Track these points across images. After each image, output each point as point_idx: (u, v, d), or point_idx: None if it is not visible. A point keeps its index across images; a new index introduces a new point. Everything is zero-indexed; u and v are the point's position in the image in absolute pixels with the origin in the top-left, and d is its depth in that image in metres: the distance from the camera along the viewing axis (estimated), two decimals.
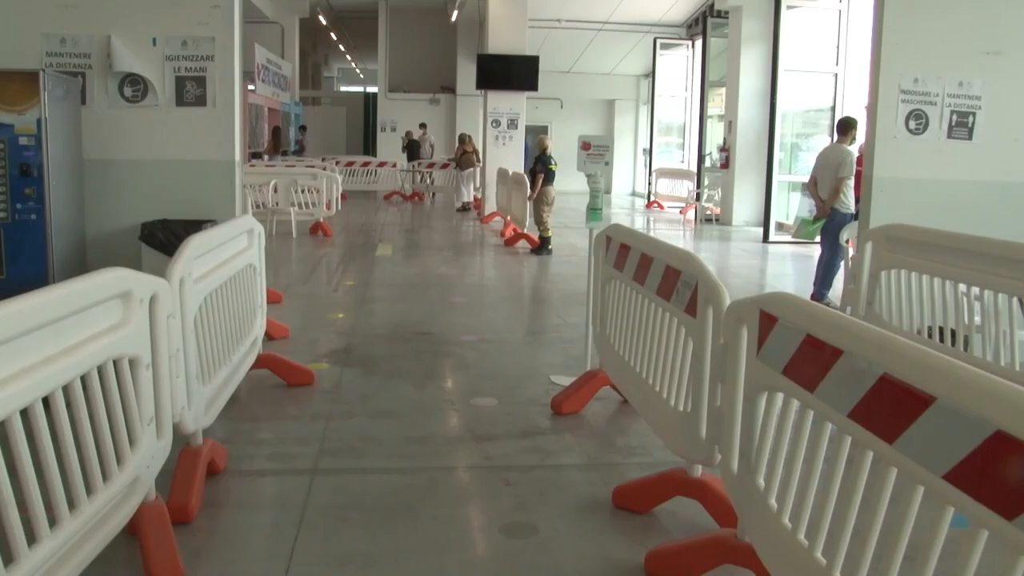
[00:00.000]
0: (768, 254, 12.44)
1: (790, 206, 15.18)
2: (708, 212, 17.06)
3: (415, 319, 7.05)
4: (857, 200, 8.13)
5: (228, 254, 4.19)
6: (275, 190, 12.83)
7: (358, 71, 41.24)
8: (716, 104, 18.08)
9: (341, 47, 32.75)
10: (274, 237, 12.37)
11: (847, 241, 7.58)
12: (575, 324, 6.90)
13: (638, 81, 25.15)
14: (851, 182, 7.82)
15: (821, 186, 7.95)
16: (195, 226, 5.00)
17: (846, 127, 7.81)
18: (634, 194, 25.38)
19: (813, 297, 8.14)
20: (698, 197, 17.44)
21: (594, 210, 5.01)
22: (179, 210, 5.23)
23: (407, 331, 6.59)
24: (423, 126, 21.77)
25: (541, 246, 11.19)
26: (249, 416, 4.48)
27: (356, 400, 4.80)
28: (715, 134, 18.04)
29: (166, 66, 5.21)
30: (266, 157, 18.49)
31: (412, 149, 20.97)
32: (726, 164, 16.40)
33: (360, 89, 35.40)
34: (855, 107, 13.72)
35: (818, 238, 8.62)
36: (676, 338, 3.48)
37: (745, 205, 16.25)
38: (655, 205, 20.27)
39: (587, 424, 4.51)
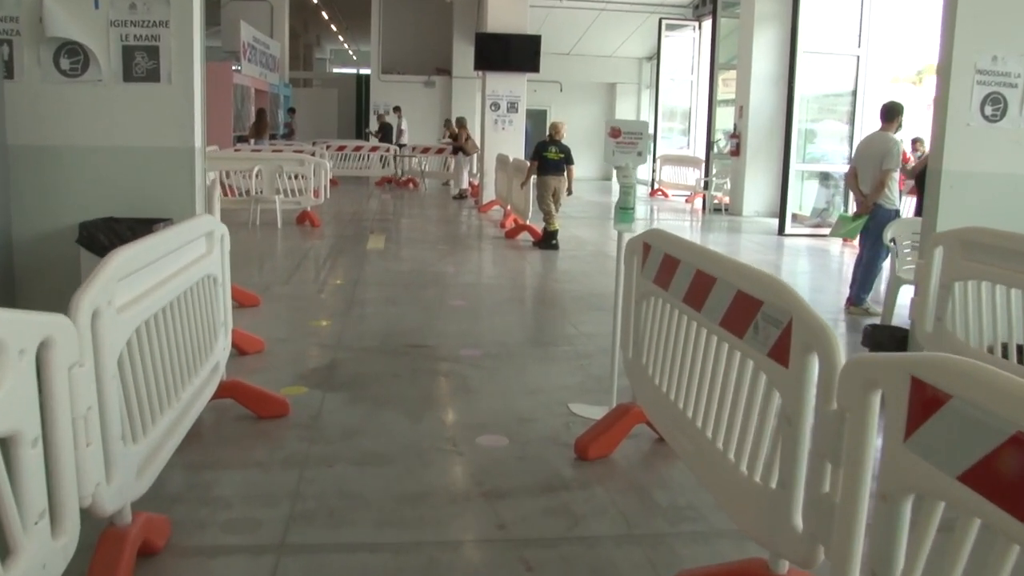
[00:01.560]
0: (784, 248, 11.66)
1: (803, 196, 14.37)
2: (716, 202, 16.25)
3: (409, 327, 6.23)
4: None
5: (176, 266, 3.36)
6: (259, 176, 11.95)
7: (351, 52, 40.22)
8: (723, 88, 17.24)
9: (333, 27, 31.78)
10: (258, 227, 11.54)
11: (891, 240, 6.80)
12: (591, 335, 6.09)
13: (640, 64, 24.27)
14: (897, 175, 7.01)
15: (862, 178, 7.14)
16: (145, 226, 4.16)
17: (892, 113, 6.99)
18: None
19: (849, 301, 7.35)
20: (706, 186, 16.62)
21: (624, 210, 4.19)
22: (127, 207, 4.37)
23: (400, 343, 5.77)
24: (397, 109, 20.88)
25: (545, 239, 10.35)
26: (206, 462, 3.66)
27: (338, 438, 3.99)
28: (722, 119, 17.21)
29: (111, 33, 4.34)
30: (252, 141, 17.60)
31: (386, 132, 20.10)
32: (736, 151, 15.57)
33: (353, 71, 34.36)
34: (878, 92, 12.92)
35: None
36: (752, 387, 2.67)
37: (756, 194, 15.45)
38: (659, 193, 19.43)
39: (619, 472, 3.71)
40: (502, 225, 12.23)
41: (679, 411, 3.29)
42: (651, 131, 4.88)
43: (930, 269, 4.70)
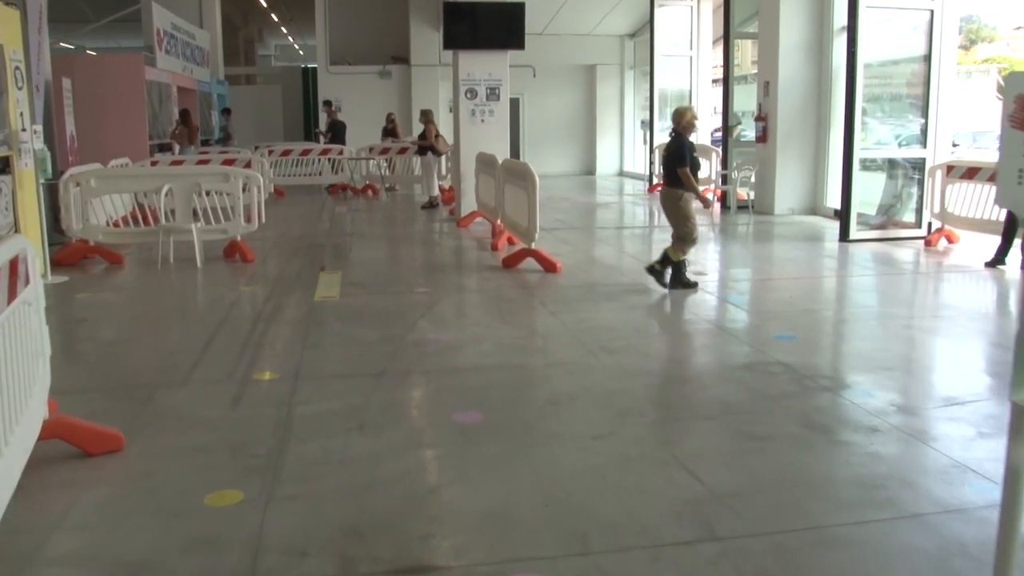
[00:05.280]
0: (855, 260, 8.97)
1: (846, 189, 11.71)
2: (739, 199, 13.56)
3: (390, 501, 3.34)
4: None
5: None
6: (168, 197, 8.95)
7: (297, 47, 37.01)
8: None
9: (274, 17, 28.56)
10: (171, 266, 8.59)
11: None
12: (728, 496, 3.26)
13: (622, 42, 21.44)
14: None
15: None
16: None
17: None
18: (622, 174, 21.77)
19: None
20: (725, 180, 13.90)
21: None
22: None
23: (378, 562, 2.89)
24: (328, 103, 18.10)
25: (674, 274, 7.16)
26: None
27: None
28: (737, 99, 14.56)
29: None
30: (175, 150, 14.52)
31: (337, 131, 17.18)
32: (763, 137, 12.90)
33: (299, 65, 31.12)
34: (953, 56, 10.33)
35: None
36: None
37: (789, 188, 12.83)
38: (659, 189, 16.66)
39: None
40: (494, 247, 9.37)
41: None
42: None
43: None
